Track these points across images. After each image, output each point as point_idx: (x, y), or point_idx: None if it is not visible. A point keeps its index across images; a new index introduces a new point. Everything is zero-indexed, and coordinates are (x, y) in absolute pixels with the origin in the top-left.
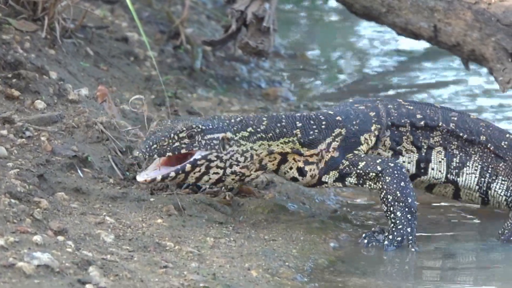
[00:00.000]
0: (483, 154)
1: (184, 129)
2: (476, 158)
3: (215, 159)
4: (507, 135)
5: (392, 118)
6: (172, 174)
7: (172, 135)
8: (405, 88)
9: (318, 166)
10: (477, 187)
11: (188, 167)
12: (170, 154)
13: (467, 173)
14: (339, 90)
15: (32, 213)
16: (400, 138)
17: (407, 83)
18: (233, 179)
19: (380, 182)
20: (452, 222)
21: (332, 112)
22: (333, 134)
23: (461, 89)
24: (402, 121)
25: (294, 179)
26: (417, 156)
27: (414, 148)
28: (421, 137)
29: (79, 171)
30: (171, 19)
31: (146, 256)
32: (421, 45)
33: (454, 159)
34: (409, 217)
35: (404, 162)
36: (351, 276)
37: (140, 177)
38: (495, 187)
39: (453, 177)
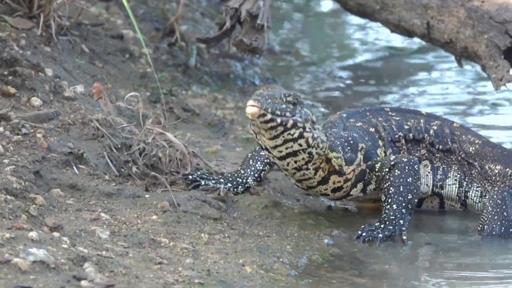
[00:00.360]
0: (459, 163)
1: (291, 94)
2: (455, 168)
3: (309, 130)
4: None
5: (389, 133)
6: (278, 120)
7: (282, 96)
8: (398, 86)
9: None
10: (457, 197)
11: (290, 123)
12: (278, 113)
13: (448, 184)
14: (332, 87)
15: (28, 209)
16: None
17: (399, 80)
18: (302, 159)
19: (389, 174)
20: (444, 217)
21: (352, 132)
22: (359, 149)
23: (453, 86)
24: (396, 136)
25: (324, 195)
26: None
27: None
28: (412, 151)
29: (74, 167)
30: (166, 16)
31: (141, 252)
32: (413, 42)
33: (438, 171)
34: (404, 211)
35: None
36: (345, 272)
37: (252, 109)
38: (471, 195)
39: (438, 190)
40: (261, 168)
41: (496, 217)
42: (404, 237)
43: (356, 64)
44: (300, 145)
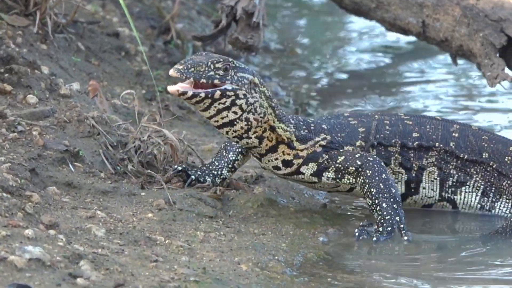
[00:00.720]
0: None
1: (221, 60)
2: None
3: (242, 97)
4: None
5: (380, 137)
6: (202, 94)
7: (209, 63)
8: (394, 84)
9: (304, 157)
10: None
11: (217, 93)
12: (204, 81)
13: (466, 192)
14: (327, 85)
15: (24, 207)
16: (388, 159)
17: (395, 78)
18: (241, 128)
19: (362, 177)
20: (444, 216)
21: (320, 121)
22: (321, 137)
23: (449, 85)
24: (393, 141)
25: (276, 168)
26: (406, 177)
27: (402, 170)
28: (412, 158)
29: (70, 165)
30: (161, 14)
31: (137, 250)
32: (409, 41)
33: (450, 178)
34: (395, 207)
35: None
36: (340, 270)
37: (172, 88)
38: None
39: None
40: (233, 158)
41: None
42: (405, 237)
43: (352, 62)
44: (235, 112)
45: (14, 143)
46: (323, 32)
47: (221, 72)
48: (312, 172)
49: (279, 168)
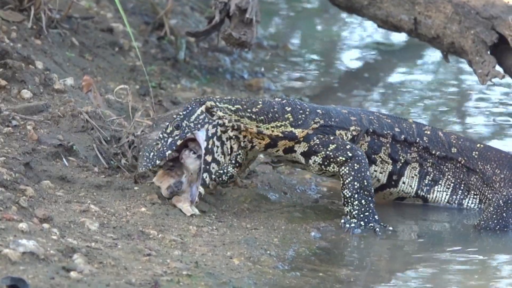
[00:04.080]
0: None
1: (168, 123)
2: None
3: (213, 128)
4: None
5: (374, 126)
6: (205, 175)
7: (161, 135)
8: (385, 80)
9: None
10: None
11: (208, 157)
12: (169, 152)
13: (438, 191)
14: (320, 81)
15: (18, 200)
16: (379, 148)
17: (387, 74)
18: (245, 141)
19: (348, 168)
20: (432, 210)
21: (316, 106)
22: (315, 120)
23: (440, 82)
24: (385, 132)
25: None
26: (391, 168)
27: (390, 160)
28: (399, 151)
29: (64, 159)
30: (155, 10)
31: (130, 244)
32: (401, 38)
33: (427, 176)
34: (372, 206)
35: (376, 171)
36: (331, 265)
37: (189, 212)
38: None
39: (423, 194)
40: (235, 154)
41: (494, 216)
42: (390, 228)
43: (343, 58)
44: (230, 137)
45: (8, 137)
46: (316, 29)
47: (176, 132)
48: (302, 151)
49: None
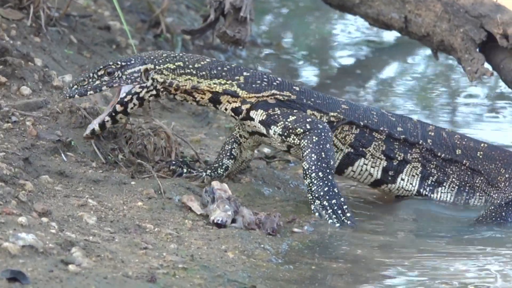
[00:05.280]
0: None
1: (101, 67)
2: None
3: (140, 89)
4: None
5: (369, 122)
6: (107, 118)
7: (91, 74)
8: (377, 77)
9: (253, 103)
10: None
11: (118, 107)
12: (92, 92)
13: (442, 192)
14: (312, 78)
15: (17, 195)
16: (369, 142)
17: (378, 72)
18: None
19: (306, 140)
20: (425, 204)
21: (295, 85)
22: (282, 92)
23: (432, 80)
24: (381, 128)
25: (232, 116)
26: (385, 164)
27: (383, 156)
28: (396, 149)
29: (62, 155)
30: (151, 8)
31: (127, 238)
32: (392, 36)
33: (431, 177)
34: (330, 178)
35: (366, 165)
36: (324, 258)
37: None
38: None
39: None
40: (230, 147)
41: (493, 214)
42: (348, 214)
43: (336, 55)
44: (152, 95)
45: (8, 133)
46: (308, 27)
47: (106, 78)
48: (261, 119)
49: (235, 115)
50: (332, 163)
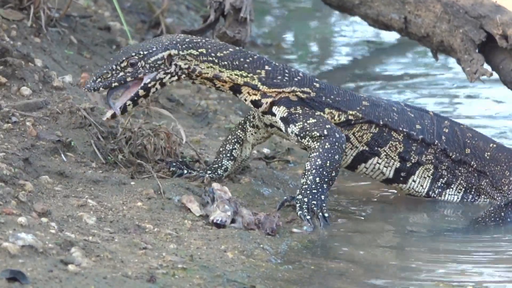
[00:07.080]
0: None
1: (124, 58)
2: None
3: (164, 75)
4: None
5: (388, 120)
6: (129, 102)
7: (114, 66)
8: (376, 77)
9: (275, 98)
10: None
11: (141, 92)
12: (116, 84)
13: (449, 194)
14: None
15: (17, 195)
16: (385, 142)
17: (377, 72)
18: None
19: (319, 144)
20: (425, 205)
21: (317, 80)
22: (303, 89)
23: (430, 80)
24: (400, 128)
25: (252, 107)
26: (398, 165)
27: (398, 158)
28: (412, 152)
29: (62, 155)
30: (152, 9)
31: (127, 238)
32: (391, 36)
33: (441, 179)
34: (325, 187)
35: (379, 163)
36: (323, 259)
37: (104, 117)
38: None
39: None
40: (231, 147)
41: (492, 214)
42: (326, 214)
43: (335, 55)
44: (174, 80)
45: (8, 133)
46: (308, 27)
47: (130, 69)
48: (282, 116)
49: (255, 107)
50: (333, 174)
